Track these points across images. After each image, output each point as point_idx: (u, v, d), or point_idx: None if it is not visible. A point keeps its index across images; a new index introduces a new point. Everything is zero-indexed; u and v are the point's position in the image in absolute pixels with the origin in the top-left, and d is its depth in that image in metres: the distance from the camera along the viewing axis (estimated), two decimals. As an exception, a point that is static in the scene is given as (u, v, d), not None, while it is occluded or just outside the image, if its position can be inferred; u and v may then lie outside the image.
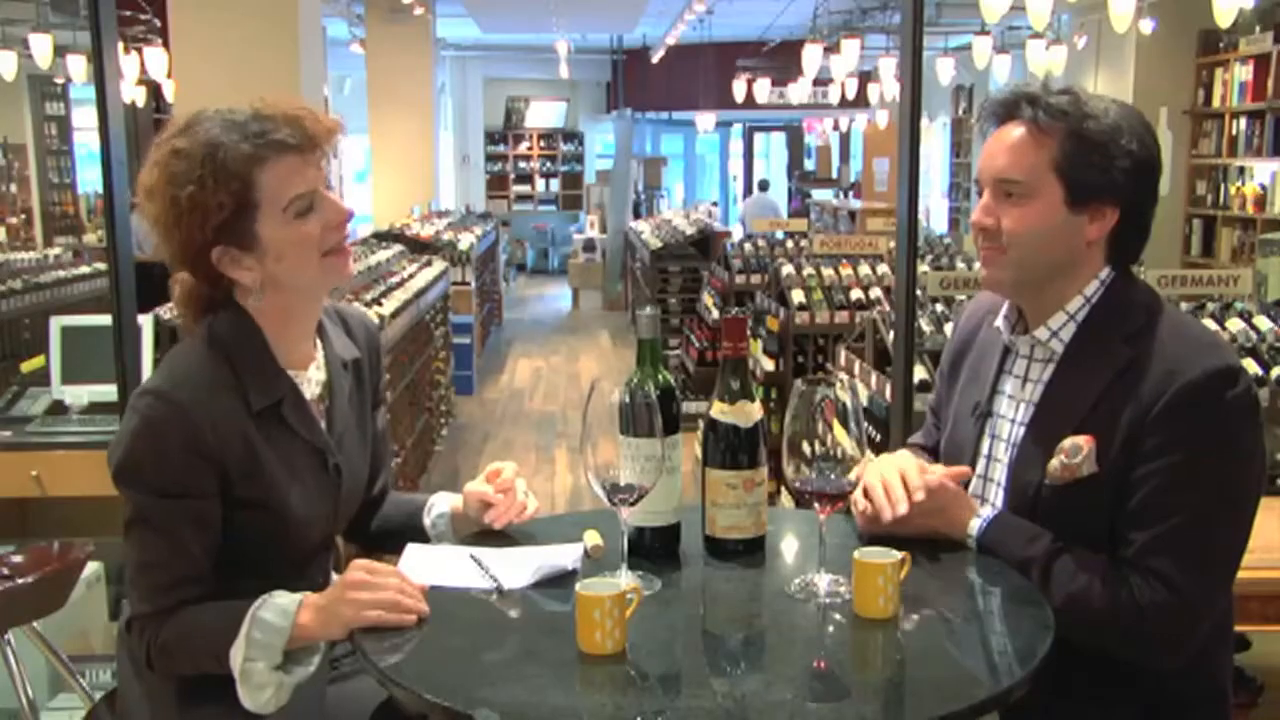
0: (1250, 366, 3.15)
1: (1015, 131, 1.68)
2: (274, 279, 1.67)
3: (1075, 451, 1.62)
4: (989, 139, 1.72)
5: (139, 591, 1.62)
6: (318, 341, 1.80)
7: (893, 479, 1.70)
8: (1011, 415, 1.76)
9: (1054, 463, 1.64)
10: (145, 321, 3.21)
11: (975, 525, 1.69)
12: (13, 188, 11.78)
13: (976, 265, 5.30)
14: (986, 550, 1.68)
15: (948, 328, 2.02)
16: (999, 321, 1.80)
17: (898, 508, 1.68)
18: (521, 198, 18.42)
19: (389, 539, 1.91)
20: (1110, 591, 1.57)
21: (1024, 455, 1.70)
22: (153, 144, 1.66)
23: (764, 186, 16.69)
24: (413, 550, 1.73)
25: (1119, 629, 1.57)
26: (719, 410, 1.70)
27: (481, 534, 1.82)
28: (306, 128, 1.64)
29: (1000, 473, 1.76)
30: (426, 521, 1.89)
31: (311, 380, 1.77)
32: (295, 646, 1.55)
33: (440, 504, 1.90)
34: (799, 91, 12.17)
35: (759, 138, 21.33)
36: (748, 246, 7.39)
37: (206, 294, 1.71)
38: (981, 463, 1.80)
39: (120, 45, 4.10)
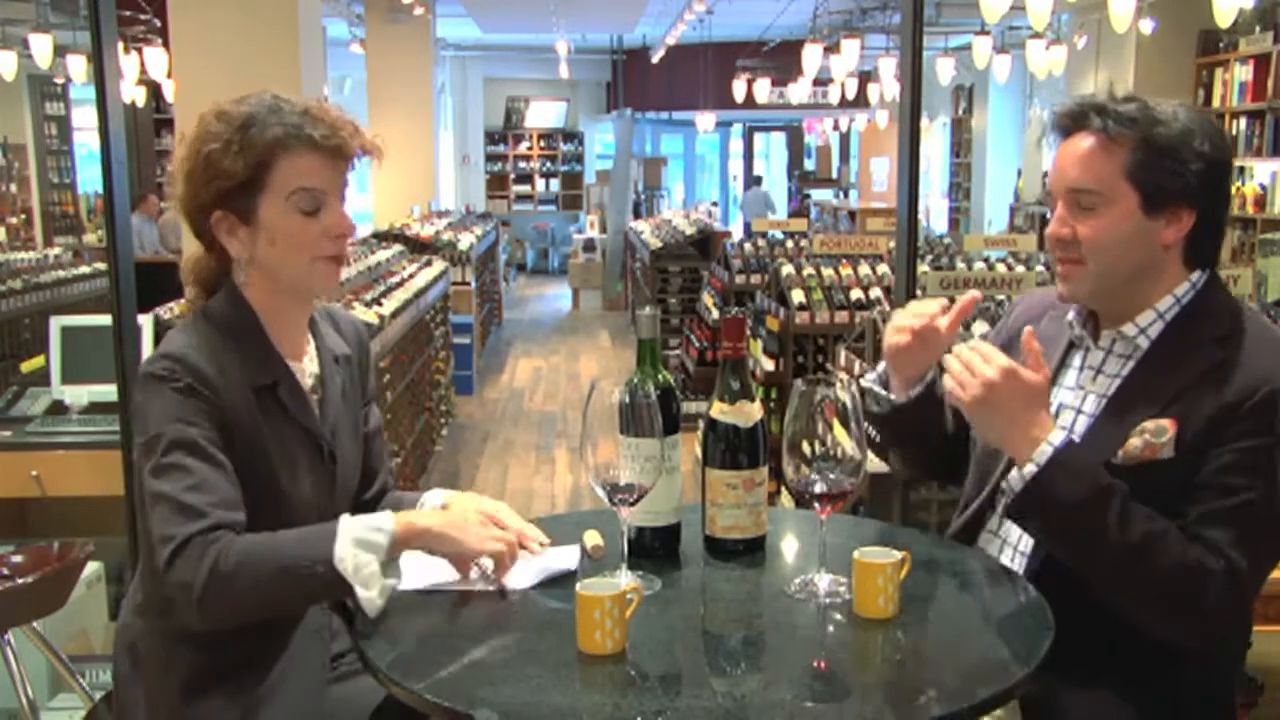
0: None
1: (1085, 142, 1.69)
2: (261, 261, 1.72)
3: (1160, 432, 1.63)
4: (1058, 151, 1.73)
5: (185, 515, 1.55)
6: (310, 336, 1.84)
7: (970, 356, 1.64)
8: (1077, 405, 1.77)
9: (1135, 441, 1.64)
10: (145, 321, 3.20)
11: (1045, 452, 1.60)
12: (13, 188, 11.79)
13: (978, 265, 5.30)
14: (1046, 479, 1.59)
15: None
16: (1071, 316, 1.81)
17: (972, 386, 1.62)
18: (521, 198, 18.41)
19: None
20: (1183, 547, 1.57)
21: (1093, 440, 1.69)
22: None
23: (758, 181, 18.36)
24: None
25: (1180, 584, 1.56)
26: (719, 410, 1.70)
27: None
28: (342, 137, 1.71)
29: None
30: None
31: (305, 371, 1.80)
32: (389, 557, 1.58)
33: (433, 499, 1.90)
34: (799, 91, 12.19)
35: (759, 138, 21.32)
36: (748, 246, 7.39)
37: (210, 269, 1.76)
38: None
39: (120, 45, 4.10)
